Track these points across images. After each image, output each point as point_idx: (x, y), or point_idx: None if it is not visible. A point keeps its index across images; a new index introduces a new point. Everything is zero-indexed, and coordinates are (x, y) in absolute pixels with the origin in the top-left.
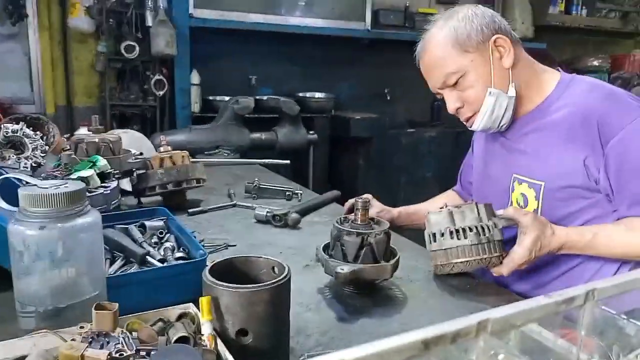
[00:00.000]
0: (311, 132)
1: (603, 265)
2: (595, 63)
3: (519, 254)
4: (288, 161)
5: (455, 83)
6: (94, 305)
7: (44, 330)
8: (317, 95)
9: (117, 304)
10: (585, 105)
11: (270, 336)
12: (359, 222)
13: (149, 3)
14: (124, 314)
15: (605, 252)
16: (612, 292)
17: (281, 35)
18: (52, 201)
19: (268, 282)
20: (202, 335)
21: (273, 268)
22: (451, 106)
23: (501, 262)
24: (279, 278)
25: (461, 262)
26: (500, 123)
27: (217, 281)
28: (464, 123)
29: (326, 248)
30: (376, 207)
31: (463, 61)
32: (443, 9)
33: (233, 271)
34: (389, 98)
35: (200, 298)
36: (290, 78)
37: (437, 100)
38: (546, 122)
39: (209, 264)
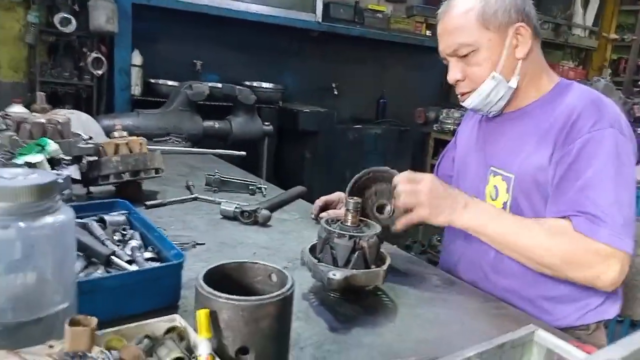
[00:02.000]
0: (266, 123)
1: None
2: None
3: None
4: (244, 152)
5: (465, 55)
6: (68, 320)
7: (3, 350)
8: (265, 85)
9: (95, 319)
10: (570, 106)
11: (273, 354)
12: (349, 224)
13: None
14: None
15: (509, 242)
16: None
17: (229, 20)
18: (16, 195)
19: (275, 294)
20: (199, 355)
21: (270, 275)
22: (452, 76)
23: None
24: (286, 289)
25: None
26: (490, 108)
27: (216, 292)
28: (458, 97)
29: (312, 250)
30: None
31: (481, 37)
32: (392, 7)
33: (225, 279)
34: (336, 93)
35: (197, 311)
36: (236, 65)
37: (383, 98)
38: (531, 118)
39: (203, 270)
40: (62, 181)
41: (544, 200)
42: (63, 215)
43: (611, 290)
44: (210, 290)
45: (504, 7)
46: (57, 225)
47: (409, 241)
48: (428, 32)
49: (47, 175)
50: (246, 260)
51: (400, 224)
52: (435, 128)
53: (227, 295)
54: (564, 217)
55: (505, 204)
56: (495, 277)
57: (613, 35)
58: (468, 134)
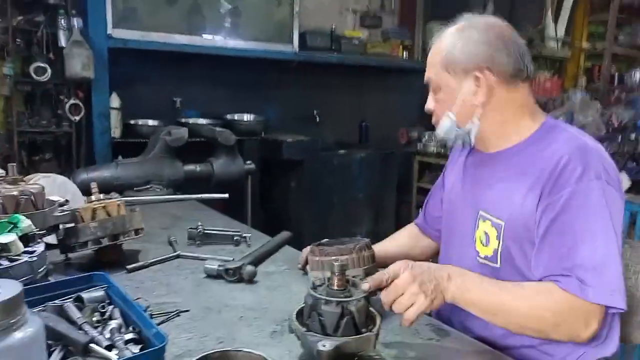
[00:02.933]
0: (248, 162)
1: None
2: None
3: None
4: (226, 195)
5: (434, 89)
6: None
7: None
8: (246, 117)
9: None
10: (558, 152)
11: None
12: (336, 288)
13: (62, 22)
14: None
15: (494, 307)
16: None
17: (206, 56)
18: None
19: None
20: None
21: None
22: (426, 105)
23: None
24: None
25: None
26: (459, 141)
27: None
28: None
29: (299, 315)
30: None
31: (442, 77)
32: (367, 32)
33: None
34: (318, 120)
35: None
36: (216, 100)
37: (365, 121)
38: (518, 161)
39: None
40: (35, 259)
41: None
42: (31, 328)
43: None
44: None
45: (467, 53)
46: (25, 340)
47: None
48: (405, 54)
49: (10, 287)
50: (229, 349)
51: (408, 322)
52: (418, 148)
53: None
54: (552, 276)
55: (495, 251)
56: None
57: (585, 44)
58: (456, 173)
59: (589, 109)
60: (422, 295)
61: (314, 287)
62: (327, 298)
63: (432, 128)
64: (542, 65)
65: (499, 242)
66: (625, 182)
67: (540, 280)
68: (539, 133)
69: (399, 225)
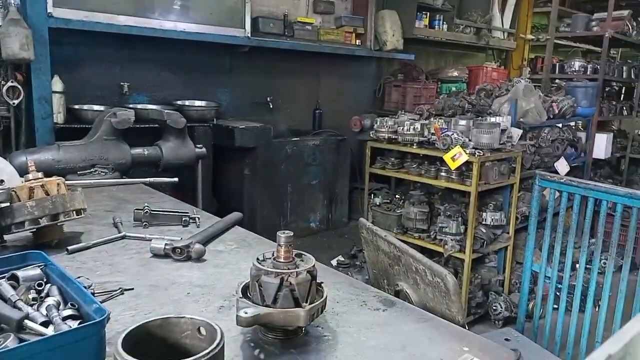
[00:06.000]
0: (199, 145)
1: None
2: (455, 73)
3: None
4: (176, 179)
5: None
6: None
7: None
8: (198, 103)
9: None
10: None
11: None
12: (281, 260)
13: None
14: None
15: None
16: None
17: (155, 39)
18: None
19: (200, 355)
20: None
21: (199, 329)
22: None
23: None
24: (214, 346)
25: None
26: None
27: None
28: None
29: (246, 288)
30: None
31: None
32: (320, 19)
33: (149, 338)
34: (271, 106)
35: None
36: (166, 85)
37: (318, 108)
38: None
39: (121, 336)
40: None
41: None
42: None
43: None
44: (130, 358)
45: None
46: None
47: (353, 250)
48: (358, 42)
49: None
50: (171, 315)
51: None
52: (371, 136)
53: None
54: None
55: None
56: None
57: (529, 36)
58: None
59: (531, 95)
60: None
61: (261, 260)
62: (268, 269)
63: (384, 114)
64: (489, 56)
65: None
66: (565, 167)
67: None
68: None
69: (352, 211)
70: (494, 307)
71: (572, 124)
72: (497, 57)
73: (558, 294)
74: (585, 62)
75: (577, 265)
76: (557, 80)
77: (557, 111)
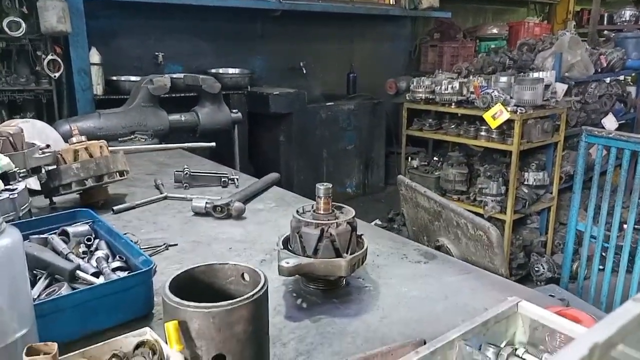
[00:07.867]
0: (234, 110)
1: None
2: (495, 30)
3: None
4: (213, 143)
5: None
6: (25, 350)
7: None
8: (231, 71)
9: (55, 345)
10: None
11: (252, 357)
12: (321, 212)
13: None
14: (59, 348)
15: None
16: None
17: (187, 8)
18: None
19: (246, 297)
20: None
21: (242, 275)
22: None
23: None
24: (257, 289)
25: None
26: None
27: (184, 302)
28: None
29: (287, 240)
30: None
31: None
32: None
33: (195, 284)
34: (304, 72)
35: (165, 324)
36: (199, 54)
37: (352, 72)
38: None
39: (168, 279)
40: (16, 196)
41: None
42: (8, 238)
43: None
44: (177, 299)
45: None
46: (3, 250)
47: (391, 214)
48: (392, 1)
49: None
50: (215, 262)
51: None
52: (407, 97)
53: (195, 304)
54: None
55: None
56: None
57: None
58: None
59: (577, 48)
60: None
61: (301, 212)
62: (308, 220)
63: (420, 76)
64: (531, 10)
65: None
66: (613, 123)
67: None
68: None
69: (388, 175)
70: (536, 268)
71: (622, 77)
72: (540, 11)
73: (604, 254)
74: (637, 11)
75: (625, 225)
76: (605, 32)
77: (605, 64)
